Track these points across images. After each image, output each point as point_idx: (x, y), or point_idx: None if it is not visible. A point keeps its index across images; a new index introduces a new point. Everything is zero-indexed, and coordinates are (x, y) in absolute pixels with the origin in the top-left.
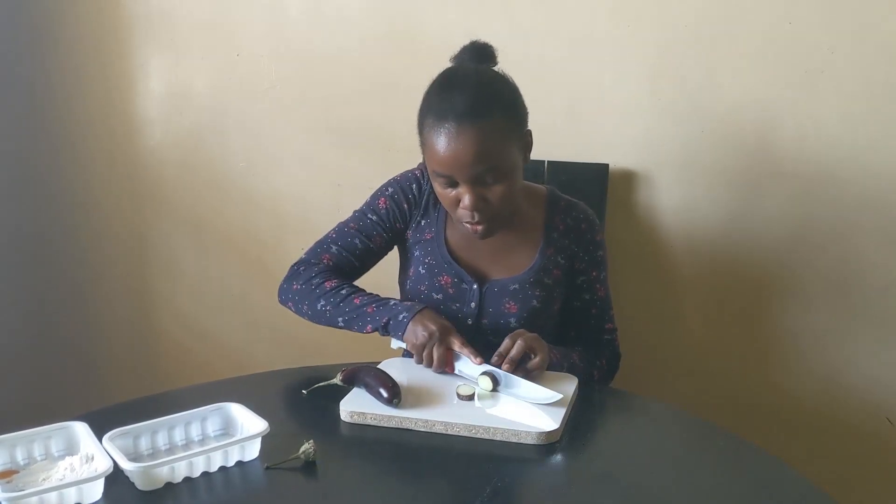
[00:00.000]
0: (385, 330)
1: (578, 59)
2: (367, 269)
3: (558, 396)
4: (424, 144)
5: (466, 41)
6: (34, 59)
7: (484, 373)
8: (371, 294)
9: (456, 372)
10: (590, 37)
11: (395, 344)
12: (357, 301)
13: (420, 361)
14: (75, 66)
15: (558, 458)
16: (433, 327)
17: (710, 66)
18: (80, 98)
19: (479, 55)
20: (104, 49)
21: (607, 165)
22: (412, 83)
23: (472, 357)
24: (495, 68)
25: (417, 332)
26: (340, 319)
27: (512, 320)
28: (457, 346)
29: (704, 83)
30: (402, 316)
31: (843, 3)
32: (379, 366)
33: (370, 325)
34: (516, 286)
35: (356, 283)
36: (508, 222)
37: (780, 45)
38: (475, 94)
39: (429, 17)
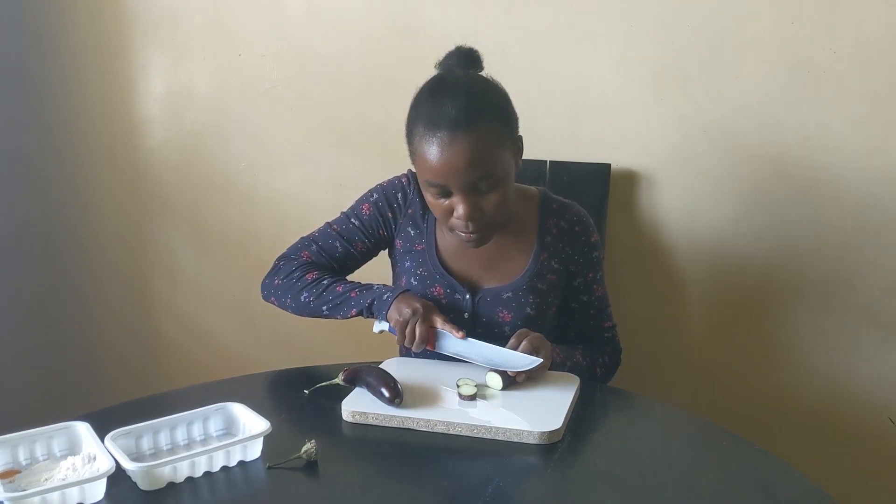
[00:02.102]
0: (369, 311)
1: (580, 60)
2: (349, 272)
3: (538, 361)
4: (415, 154)
5: (467, 42)
6: (36, 60)
7: (492, 370)
8: (352, 282)
9: (437, 349)
10: (592, 37)
11: (378, 327)
12: (339, 289)
13: (403, 340)
14: (77, 67)
15: (560, 457)
16: (416, 304)
17: (713, 67)
18: (81, 98)
19: (465, 61)
20: (105, 49)
21: (609, 166)
22: (413, 83)
23: (454, 332)
24: (482, 73)
25: (401, 309)
26: (325, 308)
27: (506, 329)
28: (439, 323)
29: (706, 83)
30: (385, 296)
31: (845, 4)
32: (380, 366)
33: (354, 309)
34: (509, 294)
35: None
36: (502, 229)
37: (782, 46)
38: (467, 100)
39: (429, 17)
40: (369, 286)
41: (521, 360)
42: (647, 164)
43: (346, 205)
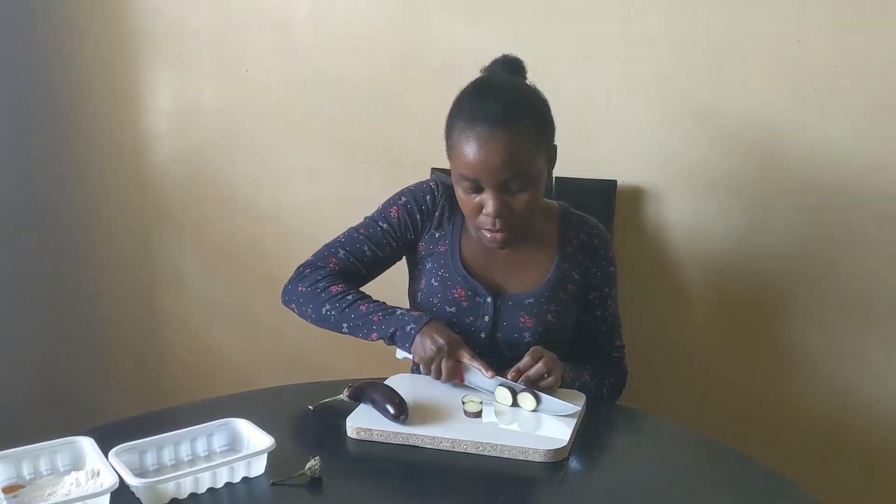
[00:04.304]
0: (391, 340)
1: (586, 76)
2: (373, 277)
3: (575, 409)
4: (452, 148)
5: (472, 58)
6: (43, 76)
7: (501, 384)
8: (377, 302)
9: (466, 383)
10: (598, 53)
11: (401, 354)
12: (363, 308)
13: (429, 373)
14: (84, 82)
15: (566, 475)
16: (441, 341)
17: (719, 83)
18: (88, 114)
19: (510, 68)
20: (112, 65)
21: (615, 182)
22: (419, 99)
23: (482, 370)
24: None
25: (426, 345)
26: (345, 325)
27: (527, 335)
28: (466, 358)
29: (713, 100)
30: (409, 328)
31: (851, 21)
32: (385, 382)
33: (376, 334)
34: (531, 300)
35: (362, 289)
36: (526, 234)
37: (788, 63)
38: (508, 100)
39: (436, 34)
40: (392, 311)
41: (557, 406)
42: (653, 180)
43: (352, 220)
